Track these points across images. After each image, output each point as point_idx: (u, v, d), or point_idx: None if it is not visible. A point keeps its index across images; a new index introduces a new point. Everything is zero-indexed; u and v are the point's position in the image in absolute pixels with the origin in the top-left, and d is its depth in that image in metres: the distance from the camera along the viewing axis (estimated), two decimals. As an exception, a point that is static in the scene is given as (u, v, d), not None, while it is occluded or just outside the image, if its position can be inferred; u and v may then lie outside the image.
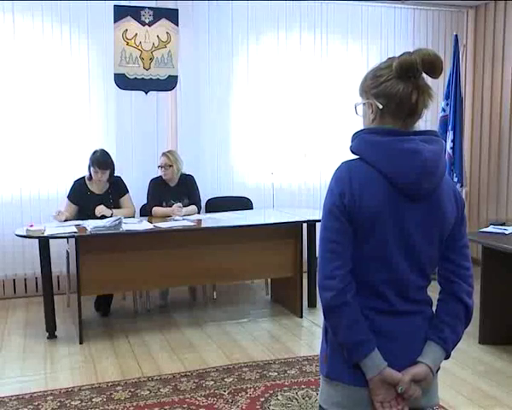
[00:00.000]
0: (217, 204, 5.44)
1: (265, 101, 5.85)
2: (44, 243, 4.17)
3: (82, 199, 4.70)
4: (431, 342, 1.52)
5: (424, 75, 1.48)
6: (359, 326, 1.46)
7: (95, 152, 4.71)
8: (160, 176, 5.03)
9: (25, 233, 4.13)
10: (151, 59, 5.33)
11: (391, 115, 1.49)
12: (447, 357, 1.55)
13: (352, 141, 1.54)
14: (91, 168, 4.65)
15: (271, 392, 3.32)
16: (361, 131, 1.54)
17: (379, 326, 1.48)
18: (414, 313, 1.53)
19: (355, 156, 1.52)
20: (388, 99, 1.47)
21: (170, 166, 4.94)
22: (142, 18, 5.27)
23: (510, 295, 3.95)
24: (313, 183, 6.04)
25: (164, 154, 5.01)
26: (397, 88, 1.46)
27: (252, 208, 5.53)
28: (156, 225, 4.39)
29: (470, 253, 1.60)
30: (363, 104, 1.55)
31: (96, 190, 4.75)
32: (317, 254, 1.53)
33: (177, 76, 5.43)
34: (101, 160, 4.65)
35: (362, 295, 1.48)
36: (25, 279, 5.34)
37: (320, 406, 1.60)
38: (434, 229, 1.51)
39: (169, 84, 5.42)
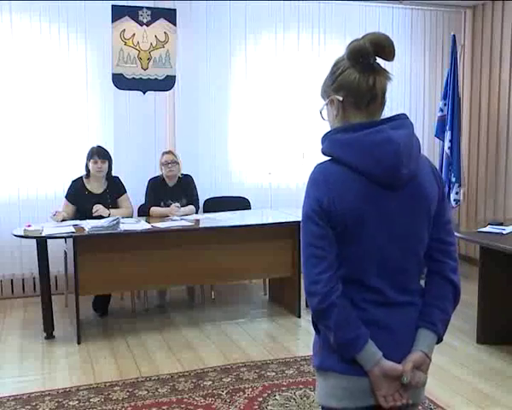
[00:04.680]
0: (215, 204, 5.43)
1: (263, 101, 5.85)
2: (42, 243, 4.16)
3: (80, 199, 4.70)
4: (421, 328, 1.52)
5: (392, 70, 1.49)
6: (349, 324, 1.46)
7: (92, 147, 4.77)
8: (159, 176, 5.02)
9: (22, 233, 4.13)
10: (149, 59, 5.32)
11: (352, 106, 1.49)
12: (440, 340, 1.56)
13: (322, 143, 1.54)
14: (91, 160, 4.68)
15: (269, 392, 3.32)
16: (329, 132, 1.53)
17: (375, 317, 1.48)
18: (408, 304, 1.53)
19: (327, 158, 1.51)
20: (347, 89, 1.48)
21: (176, 162, 4.95)
22: (140, 18, 5.26)
23: (508, 295, 3.96)
24: (311, 183, 6.03)
25: (167, 152, 5.03)
26: (353, 76, 1.48)
27: (250, 208, 5.53)
28: (154, 225, 4.39)
29: (453, 228, 1.61)
30: (326, 105, 1.56)
31: (94, 190, 4.75)
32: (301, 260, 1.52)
33: (174, 76, 5.42)
34: (100, 150, 4.73)
35: (357, 291, 1.48)
36: (22, 279, 5.33)
37: (321, 406, 1.59)
38: (420, 211, 1.51)
39: (167, 84, 5.41)
